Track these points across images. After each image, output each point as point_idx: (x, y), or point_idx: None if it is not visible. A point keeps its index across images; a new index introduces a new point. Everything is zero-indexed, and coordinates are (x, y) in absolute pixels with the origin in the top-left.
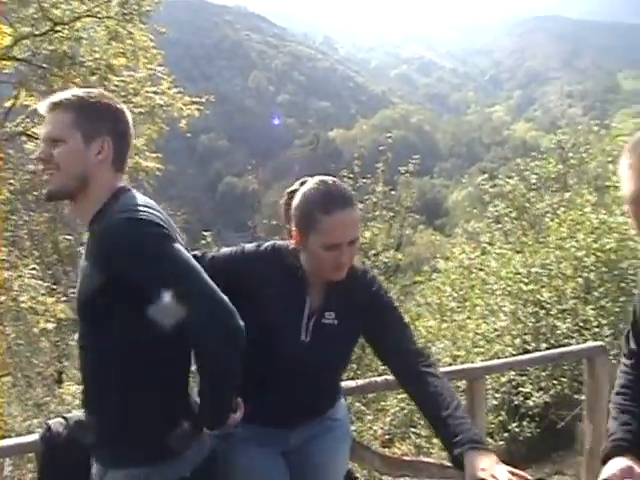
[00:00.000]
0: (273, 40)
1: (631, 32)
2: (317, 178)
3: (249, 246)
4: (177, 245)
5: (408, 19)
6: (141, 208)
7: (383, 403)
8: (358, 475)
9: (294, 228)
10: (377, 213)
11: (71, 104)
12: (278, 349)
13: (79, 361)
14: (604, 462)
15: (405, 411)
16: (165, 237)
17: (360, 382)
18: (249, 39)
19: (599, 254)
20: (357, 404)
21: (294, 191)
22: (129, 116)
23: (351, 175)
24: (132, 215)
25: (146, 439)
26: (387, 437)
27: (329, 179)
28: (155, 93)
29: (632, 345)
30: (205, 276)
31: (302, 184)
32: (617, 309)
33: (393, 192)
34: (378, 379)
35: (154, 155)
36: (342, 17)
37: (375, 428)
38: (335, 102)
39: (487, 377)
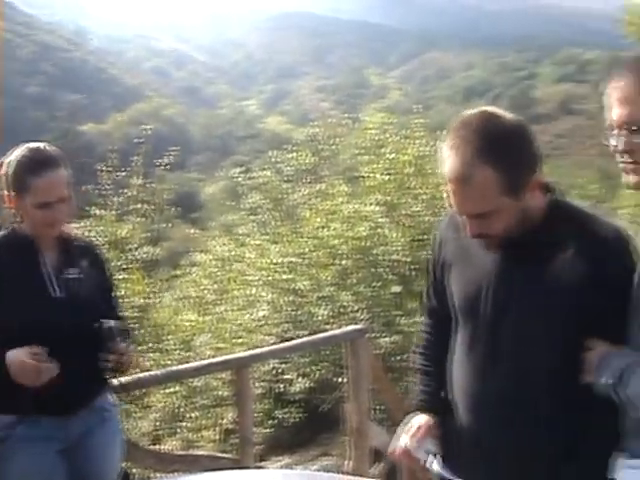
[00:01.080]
0: (21, 28)
1: (375, 30)
2: (25, 145)
3: None
4: None
5: (161, 11)
6: None
7: (148, 399)
8: (131, 474)
9: (8, 193)
10: (134, 206)
11: None
12: (29, 315)
13: None
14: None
15: (173, 406)
16: None
17: (124, 379)
18: None
19: (353, 242)
20: (122, 402)
21: (6, 161)
22: None
23: (109, 169)
24: None
25: None
26: (155, 433)
27: (36, 145)
28: None
29: (433, 302)
30: None
31: (13, 153)
32: (372, 293)
33: (149, 185)
34: (142, 375)
35: None
36: (97, 6)
37: (144, 425)
38: (88, 95)
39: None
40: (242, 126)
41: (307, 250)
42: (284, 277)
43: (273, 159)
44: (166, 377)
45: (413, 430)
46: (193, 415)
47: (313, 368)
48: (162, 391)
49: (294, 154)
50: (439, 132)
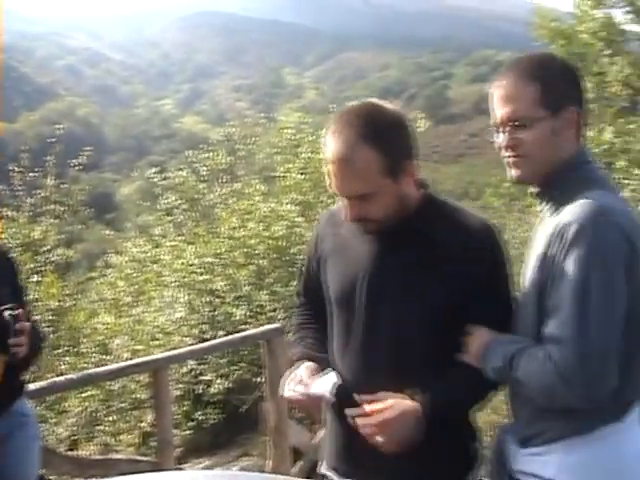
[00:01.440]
0: None
1: (288, 30)
2: None
3: None
4: None
5: (74, 8)
6: None
7: (64, 404)
8: None
9: None
10: (48, 208)
11: None
12: None
13: None
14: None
15: (90, 410)
16: None
17: (40, 384)
18: None
19: (269, 241)
20: (38, 408)
21: None
22: None
23: (21, 169)
24: None
25: None
26: (72, 439)
27: None
28: None
29: (302, 299)
30: None
31: None
32: (288, 293)
33: (63, 186)
34: (58, 379)
35: None
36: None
37: (60, 431)
38: None
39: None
40: (158, 126)
41: (223, 250)
42: (201, 278)
43: (189, 159)
44: (83, 381)
45: (299, 377)
46: (111, 419)
47: (231, 368)
48: (79, 395)
49: (210, 154)
50: None
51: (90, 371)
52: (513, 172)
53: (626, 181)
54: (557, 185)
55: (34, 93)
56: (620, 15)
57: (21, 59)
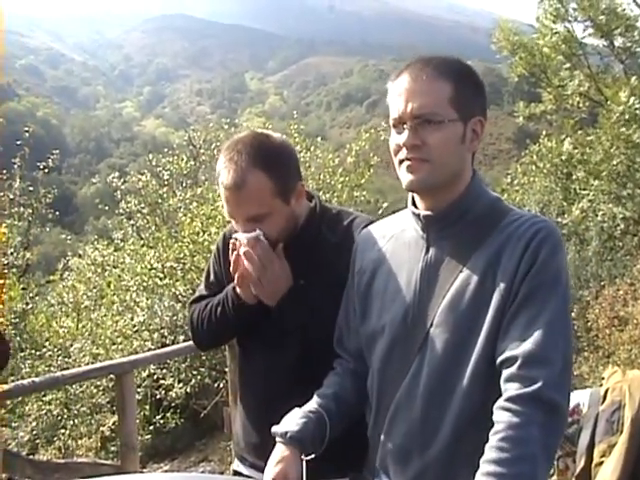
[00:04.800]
0: None
1: (253, 35)
2: None
3: None
4: None
5: (34, 6)
6: None
7: (25, 408)
8: None
9: None
10: (15, 210)
11: None
12: None
13: None
14: None
15: (50, 414)
16: None
17: (3, 387)
18: None
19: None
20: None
21: None
22: None
23: None
24: None
25: None
26: (33, 442)
27: None
28: None
29: None
30: None
31: None
32: None
33: (26, 188)
34: (22, 383)
35: None
36: None
37: (21, 434)
38: None
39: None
40: (118, 128)
41: (185, 255)
42: (162, 282)
43: (151, 163)
44: (47, 384)
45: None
46: (72, 423)
47: (191, 373)
48: (39, 399)
49: (172, 158)
50: (316, 138)
51: (56, 374)
52: (410, 176)
53: (585, 191)
54: (471, 213)
55: None
56: (580, 29)
57: None
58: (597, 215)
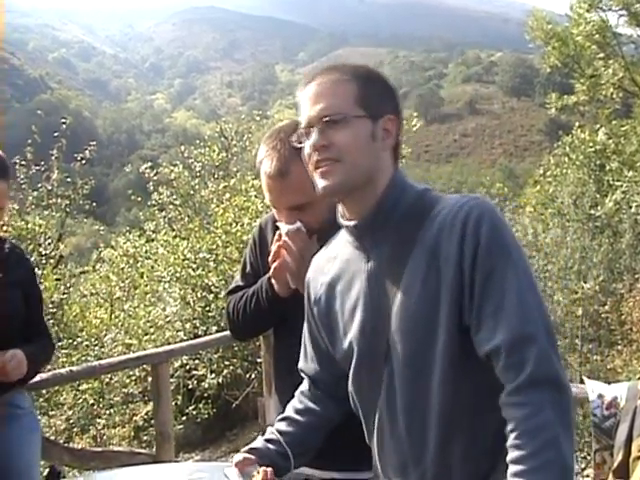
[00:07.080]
0: None
1: (284, 27)
2: None
3: None
4: None
5: (66, 0)
6: None
7: (60, 397)
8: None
9: None
10: (52, 201)
11: None
12: None
13: None
14: None
15: (85, 403)
16: None
17: (41, 376)
18: None
19: None
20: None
21: None
22: None
23: (23, 162)
24: None
25: None
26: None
27: None
28: None
29: None
30: None
31: None
32: None
33: (64, 180)
34: (59, 372)
35: None
36: None
37: (58, 423)
38: None
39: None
40: (149, 120)
41: (218, 246)
42: (194, 273)
43: (183, 154)
44: (84, 373)
45: None
46: (106, 412)
47: (223, 364)
48: (73, 389)
49: (203, 149)
50: None
51: (93, 363)
52: (324, 182)
53: (618, 182)
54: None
55: (25, 85)
56: (614, 18)
57: (11, 51)
58: (631, 207)
